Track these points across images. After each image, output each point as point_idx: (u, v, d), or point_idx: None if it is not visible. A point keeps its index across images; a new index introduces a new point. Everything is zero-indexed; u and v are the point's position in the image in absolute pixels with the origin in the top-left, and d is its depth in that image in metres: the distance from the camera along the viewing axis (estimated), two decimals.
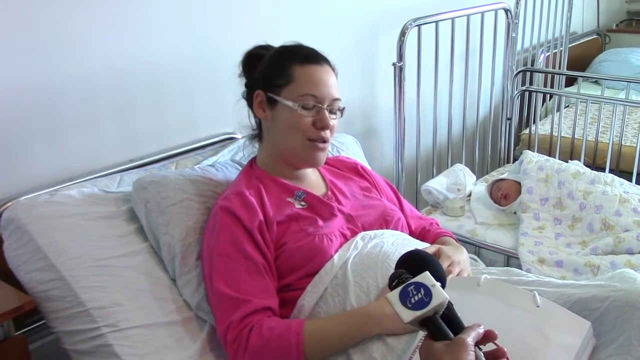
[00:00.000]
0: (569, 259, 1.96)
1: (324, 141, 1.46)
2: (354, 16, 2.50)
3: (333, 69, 1.50)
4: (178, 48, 1.89)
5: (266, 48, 1.54)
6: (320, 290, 1.33)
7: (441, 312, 0.95)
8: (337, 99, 1.47)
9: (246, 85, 1.55)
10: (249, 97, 1.53)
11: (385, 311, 1.22)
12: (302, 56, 1.46)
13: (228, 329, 1.27)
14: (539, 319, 1.17)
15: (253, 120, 1.58)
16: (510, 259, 2.15)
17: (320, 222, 1.43)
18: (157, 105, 1.88)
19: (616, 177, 2.22)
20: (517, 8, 3.10)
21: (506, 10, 2.88)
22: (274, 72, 1.46)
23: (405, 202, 1.73)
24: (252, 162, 1.57)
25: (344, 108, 1.50)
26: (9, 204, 1.50)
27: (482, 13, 2.76)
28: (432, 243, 1.56)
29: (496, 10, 2.85)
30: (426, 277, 0.95)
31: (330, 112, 1.46)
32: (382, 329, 1.23)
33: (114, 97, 1.77)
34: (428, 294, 0.93)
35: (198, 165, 1.74)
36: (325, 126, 1.44)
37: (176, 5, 1.87)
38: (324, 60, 1.48)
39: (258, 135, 1.57)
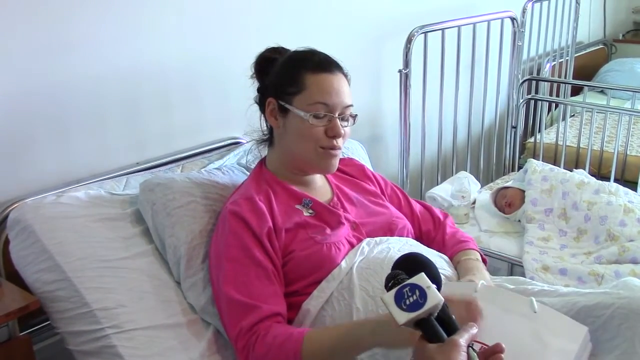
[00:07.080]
0: (573, 268, 1.95)
1: (336, 148, 1.45)
2: (360, 23, 2.51)
3: (345, 76, 1.47)
4: (185, 52, 1.90)
5: (278, 51, 1.51)
6: (326, 295, 1.34)
7: (436, 314, 0.95)
8: (349, 106, 1.44)
9: (258, 91, 1.53)
10: (261, 103, 1.51)
11: (380, 319, 1.17)
12: (314, 64, 1.43)
13: (238, 336, 1.27)
14: (537, 325, 1.17)
15: (264, 125, 1.55)
16: (514, 267, 2.15)
17: (328, 231, 1.42)
18: (163, 108, 1.89)
19: (621, 187, 2.21)
20: (523, 17, 3.11)
21: (512, 19, 2.89)
22: (286, 79, 1.44)
23: (414, 206, 1.69)
24: (262, 164, 1.55)
25: (356, 115, 1.48)
26: (16, 204, 1.52)
27: (489, 21, 2.77)
28: (450, 257, 1.53)
29: (502, 19, 2.85)
30: (422, 279, 0.95)
31: (342, 119, 1.44)
32: (375, 336, 1.15)
33: (121, 100, 1.78)
34: (423, 295, 0.93)
35: (204, 169, 1.74)
36: (336, 135, 1.42)
37: (183, 9, 1.88)
38: (337, 67, 1.45)
39: (269, 139, 1.55)
